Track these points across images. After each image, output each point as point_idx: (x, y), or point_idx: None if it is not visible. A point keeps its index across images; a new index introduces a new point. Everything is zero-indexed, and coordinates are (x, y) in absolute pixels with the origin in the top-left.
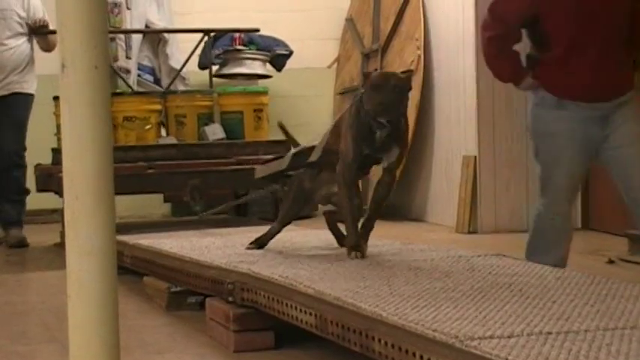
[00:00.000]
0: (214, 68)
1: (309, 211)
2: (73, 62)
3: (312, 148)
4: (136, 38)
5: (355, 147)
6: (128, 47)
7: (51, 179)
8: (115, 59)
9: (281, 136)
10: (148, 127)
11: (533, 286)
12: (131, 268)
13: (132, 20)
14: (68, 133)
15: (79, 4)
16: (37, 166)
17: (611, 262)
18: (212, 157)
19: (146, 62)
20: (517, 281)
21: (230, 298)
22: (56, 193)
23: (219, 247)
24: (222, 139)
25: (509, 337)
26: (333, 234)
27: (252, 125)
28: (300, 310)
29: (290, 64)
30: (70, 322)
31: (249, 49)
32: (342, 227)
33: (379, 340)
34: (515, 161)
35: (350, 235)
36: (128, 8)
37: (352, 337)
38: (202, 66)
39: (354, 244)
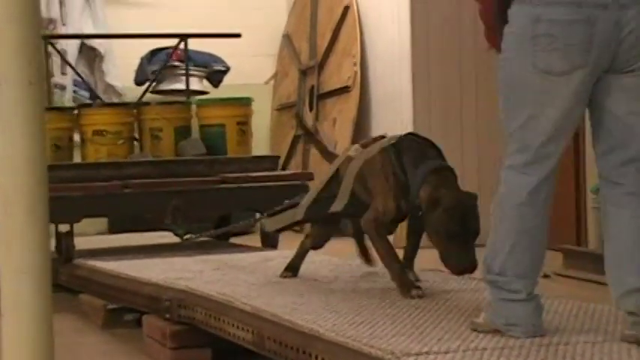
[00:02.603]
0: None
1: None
2: (7, 78)
3: (326, 195)
4: (72, 54)
5: (396, 208)
6: (63, 63)
7: None
8: (51, 75)
9: (266, 152)
10: (120, 141)
11: (469, 302)
12: (67, 286)
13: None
14: (2, 149)
15: (12, 20)
16: None
17: (546, 276)
18: (193, 174)
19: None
20: (453, 297)
21: (167, 315)
22: None
23: (157, 264)
24: (202, 154)
25: (445, 352)
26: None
27: (235, 140)
28: (237, 327)
29: (227, 80)
30: (4, 340)
31: (187, 65)
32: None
33: (316, 357)
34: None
35: (401, 281)
36: (64, 24)
37: (289, 353)
38: (138, 82)
39: (410, 284)
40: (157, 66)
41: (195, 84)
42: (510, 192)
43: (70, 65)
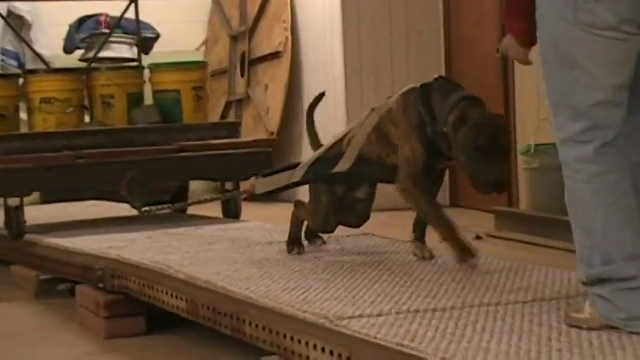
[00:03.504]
0: (80, 52)
1: (356, 220)
2: None
3: (328, 157)
4: None
5: (426, 156)
6: None
7: None
8: None
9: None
10: (69, 109)
11: (402, 265)
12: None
13: None
14: None
15: None
16: None
17: (478, 237)
18: (148, 143)
19: (9, 47)
20: (386, 260)
21: (100, 285)
22: None
23: (91, 233)
24: (157, 122)
25: (378, 315)
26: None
27: (191, 106)
28: (171, 295)
29: (157, 47)
30: None
31: (116, 33)
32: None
33: (250, 323)
34: None
35: (459, 244)
36: None
37: (223, 320)
38: (67, 50)
39: (467, 248)
40: (85, 34)
41: (124, 51)
42: (576, 168)
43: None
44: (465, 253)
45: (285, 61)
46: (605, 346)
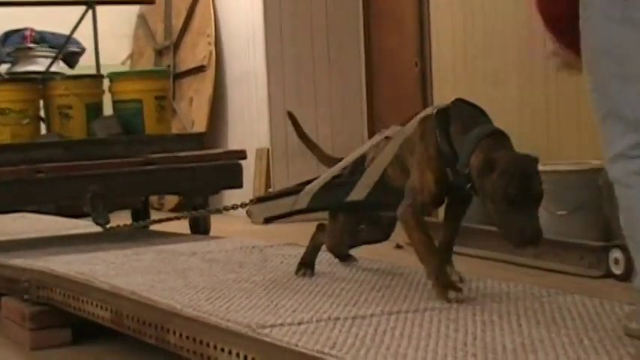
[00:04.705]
0: (5, 67)
1: (382, 235)
2: None
3: (342, 182)
4: None
5: (436, 182)
6: None
7: None
8: None
9: (188, 130)
10: (25, 121)
11: (324, 274)
12: None
13: None
14: None
15: None
16: None
17: (398, 247)
18: (110, 156)
19: None
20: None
21: (26, 296)
22: None
23: (18, 246)
24: (118, 133)
25: (299, 323)
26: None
27: (154, 116)
28: (97, 306)
29: (83, 60)
30: None
31: (41, 47)
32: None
33: (174, 333)
34: (308, 151)
35: (439, 280)
36: None
37: (148, 330)
38: None
39: (448, 284)
40: (10, 48)
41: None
42: (627, 183)
43: None
44: (446, 290)
45: (210, 74)
46: (518, 349)
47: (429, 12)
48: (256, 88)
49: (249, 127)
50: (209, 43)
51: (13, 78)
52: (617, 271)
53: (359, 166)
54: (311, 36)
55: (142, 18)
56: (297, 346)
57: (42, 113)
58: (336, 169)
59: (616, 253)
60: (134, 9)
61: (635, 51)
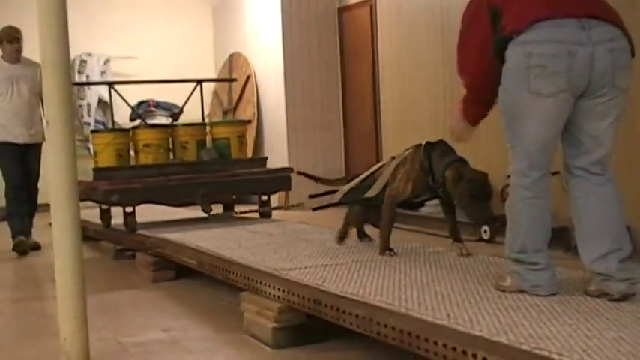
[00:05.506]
0: (138, 121)
1: (379, 221)
2: (54, 120)
3: (360, 187)
4: (93, 103)
5: (413, 190)
6: (89, 109)
7: (94, 192)
8: (81, 116)
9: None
10: (161, 151)
11: (325, 242)
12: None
13: (91, 95)
14: (52, 160)
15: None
16: (80, 182)
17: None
18: (211, 171)
19: (99, 117)
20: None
21: (149, 252)
22: (96, 202)
23: (154, 225)
24: (215, 158)
25: (304, 267)
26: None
27: (237, 148)
28: (188, 257)
29: (181, 118)
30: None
31: (158, 109)
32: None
33: (234, 273)
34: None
35: (382, 243)
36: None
37: (218, 271)
38: (132, 119)
39: (385, 248)
40: (141, 110)
41: (163, 120)
42: (519, 191)
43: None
44: (384, 251)
45: (253, 125)
46: (430, 283)
47: (379, 86)
48: (283, 132)
49: (278, 155)
50: (253, 106)
51: (153, 125)
52: (486, 237)
53: (370, 177)
54: (311, 105)
55: (215, 93)
56: (303, 281)
57: (170, 146)
58: (358, 180)
59: (485, 227)
60: (212, 87)
61: (531, 108)
